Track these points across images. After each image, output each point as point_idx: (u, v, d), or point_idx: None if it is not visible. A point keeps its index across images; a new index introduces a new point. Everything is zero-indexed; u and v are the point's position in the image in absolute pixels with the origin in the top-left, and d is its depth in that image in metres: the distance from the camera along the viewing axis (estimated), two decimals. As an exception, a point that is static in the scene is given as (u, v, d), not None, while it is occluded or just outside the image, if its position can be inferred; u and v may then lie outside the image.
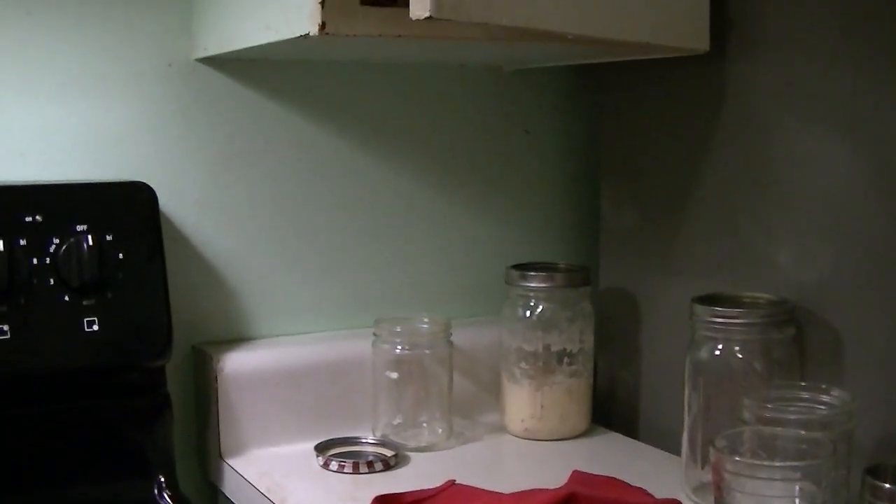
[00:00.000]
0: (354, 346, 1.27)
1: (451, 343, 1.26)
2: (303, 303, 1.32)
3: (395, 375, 1.23)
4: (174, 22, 1.21)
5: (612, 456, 1.22)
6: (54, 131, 1.17)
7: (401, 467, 1.17)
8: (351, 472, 1.14)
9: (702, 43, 1.13)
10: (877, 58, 1.00)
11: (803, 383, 1.01)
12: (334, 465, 1.15)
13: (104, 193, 1.13)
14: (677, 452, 1.12)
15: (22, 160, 1.16)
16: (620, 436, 1.30)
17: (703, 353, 1.07)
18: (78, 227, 1.09)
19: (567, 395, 1.27)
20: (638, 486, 1.06)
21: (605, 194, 1.38)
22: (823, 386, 0.98)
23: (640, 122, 1.31)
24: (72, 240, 1.08)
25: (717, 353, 1.06)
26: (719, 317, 1.05)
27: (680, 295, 1.16)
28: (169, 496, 1.13)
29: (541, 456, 1.23)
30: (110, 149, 1.20)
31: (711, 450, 0.87)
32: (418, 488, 1.06)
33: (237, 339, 1.27)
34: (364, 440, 1.23)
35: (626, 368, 1.33)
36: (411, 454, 1.20)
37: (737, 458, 0.87)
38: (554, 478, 1.06)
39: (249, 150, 1.27)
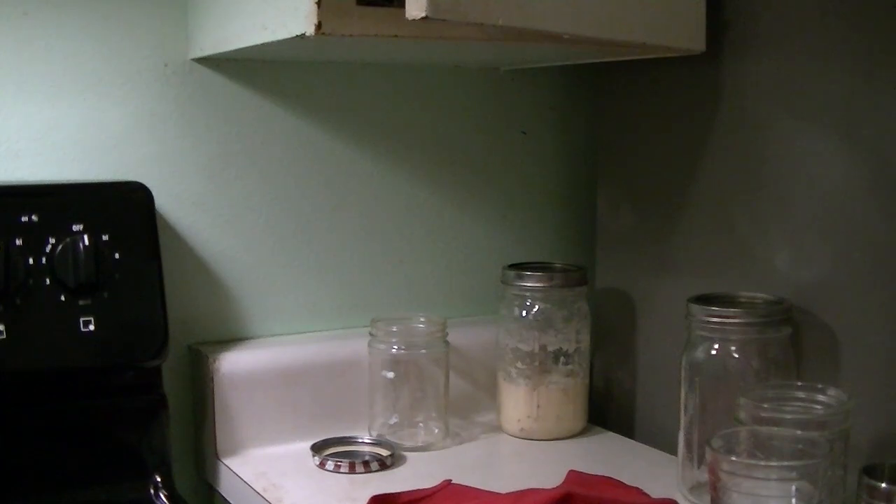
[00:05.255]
0: (351, 345, 1.27)
1: (447, 343, 1.26)
2: (299, 303, 1.32)
3: (391, 375, 1.23)
4: (170, 22, 1.21)
5: (609, 456, 1.22)
6: (50, 131, 1.17)
7: (397, 467, 1.17)
8: (347, 471, 1.14)
9: (698, 43, 1.13)
10: (873, 57, 1.00)
11: (800, 383, 1.01)
12: (330, 464, 1.15)
13: (100, 193, 1.13)
14: (674, 452, 1.12)
15: (18, 160, 1.16)
16: (617, 435, 1.30)
17: (700, 353, 1.07)
18: (74, 227, 1.09)
19: (563, 395, 1.27)
20: (634, 485, 1.06)
21: (601, 194, 1.38)
22: (820, 385, 0.98)
23: (637, 123, 1.31)
24: (68, 240, 1.08)
25: (714, 352, 1.06)
26: (715, 316, 1.05)
27: (676, 294, 1.16)
28: (165, 496, 1.13)
29: (537, 456, 1.23)
30: (107, 149, 1.19)
31: (708, 449, 0.88)
32: (414, 488, 1.06)
33: (233, 339, 1.27)
34: (360, 440, 1.23)
35: (623, 368, 1.34)
36: (407, 454, 1.20)
37: (733, 458, 0.87)
38: (550, 478, 1.06)
39: (246, 150, 1.27)
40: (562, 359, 1.27)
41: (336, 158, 1.32)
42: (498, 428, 1.31)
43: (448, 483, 1.07)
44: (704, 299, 1.08)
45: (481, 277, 1.41)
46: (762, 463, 0.88)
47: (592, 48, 1.14)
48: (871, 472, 0.87)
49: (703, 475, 1.01)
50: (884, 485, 0.86)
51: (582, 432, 1.30)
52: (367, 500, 1.02)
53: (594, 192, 1.39)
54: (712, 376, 1.06)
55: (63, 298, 1.08)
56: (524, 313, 1.27)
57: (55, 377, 1.10)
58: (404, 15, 0.86)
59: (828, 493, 0.87)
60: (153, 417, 1.15)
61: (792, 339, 1.06)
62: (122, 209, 1.13)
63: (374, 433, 1.24)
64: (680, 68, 1.21)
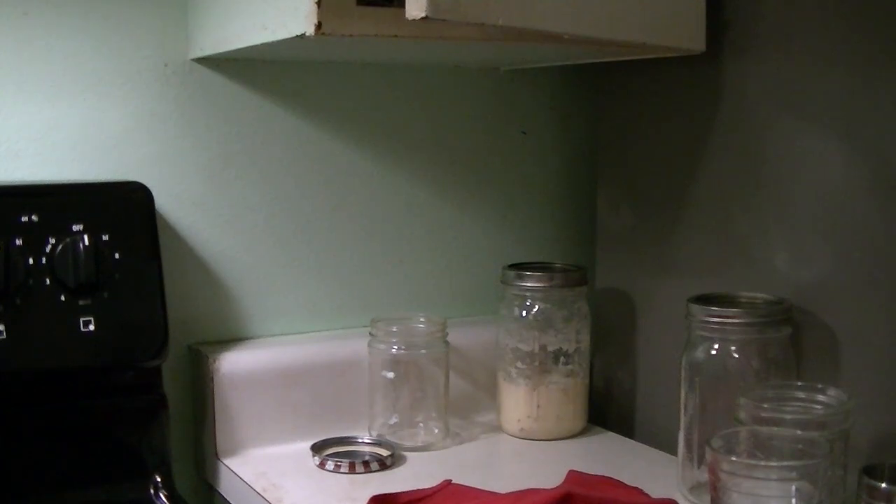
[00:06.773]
0: (351, 345, 1.27)
1: (447, 343, 1.26)
2: (299, 302, 1.32)
3: (391, 375, 1.23)
4: (170, 22, 1.21)
5: (609, 456, 1.22)
6: (50, 131, 1.17)
7: (397, 467, 1.17)
8: (347, 471, 1.14)
9: (698, 43, 1.13)
10: (873, 57, 1.00)
11: (800, 383, 1.01)
12: (330, 464, 1.15)
13: (100, 193, 1.13)
14: (674, 452, 1.12)
15: (18, 160, 1.16)
16: (617, 435, 1.30)
17: (700, 353, 1.07)
18: (74, 227, 1.09)
19: (563, 395, 1.27)
20: (634, 485, 1.06)
21: (601, 194, 1.38)
22: (820, 385, 0.98)
23: (637, 123, 1.31)
24: (68, 240, 1.08)
25: (714, 352, 1.06)
26: (715, 316, 1.05)
27: (676, 294, 1.16)
28: (165, 496, 1.13)
29: (537, 456, 1.23)
30: (106, 149, 1.19)
31: (708, 450, 0.88)
32: (414, 488, 1.06)
33: (233, 339, 1.27)
34: (360, 440, 1.23)
35: (623, 368, 1.34)
36: (407, 454, 1.20)
37: (733, 458, 0.87)
38: (550, 478, 1.06)
39: (246, 150, 1.27)
40: (562, 359, 1.27)
41: (336, 158, 1.32)
42: (498, 428, 1.31)
43: (448, 483, 1.07)
44: (704, 299, 1.08)
45: (481, 277, 1.41)
46: (762, 463, 0.88)
47: (592, 48, 1.14)
48: (871, 472, 0.87)
49: (703, 475, 1.01)
50: (884, 485, 0.85)
51: (582, 432, 1.30)
52: (367, 500, 1.02)
53: (594, 192, 1.39)
54: (712, 376, 1.06)
55: (63, 298, 1.08)
56: (524, 313, 1.27)
57: (55, 377, 1.10)
58: (404, 15, 0.86)
59: (828, 493, 0.87)
60: (153, 417, 1.15)
61: (792, 339, 1.06)
62: (122, 209, 1.13)
63: (374, 433, 1.24)
64: (680, 68, 1.21)
